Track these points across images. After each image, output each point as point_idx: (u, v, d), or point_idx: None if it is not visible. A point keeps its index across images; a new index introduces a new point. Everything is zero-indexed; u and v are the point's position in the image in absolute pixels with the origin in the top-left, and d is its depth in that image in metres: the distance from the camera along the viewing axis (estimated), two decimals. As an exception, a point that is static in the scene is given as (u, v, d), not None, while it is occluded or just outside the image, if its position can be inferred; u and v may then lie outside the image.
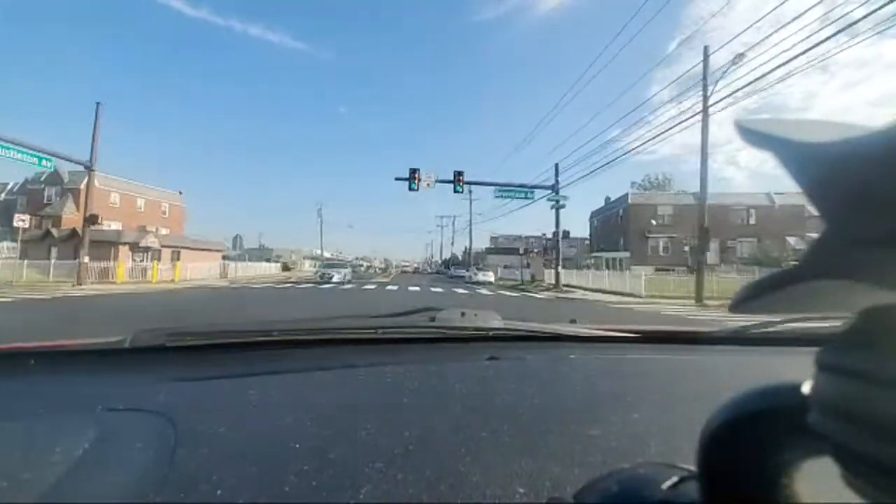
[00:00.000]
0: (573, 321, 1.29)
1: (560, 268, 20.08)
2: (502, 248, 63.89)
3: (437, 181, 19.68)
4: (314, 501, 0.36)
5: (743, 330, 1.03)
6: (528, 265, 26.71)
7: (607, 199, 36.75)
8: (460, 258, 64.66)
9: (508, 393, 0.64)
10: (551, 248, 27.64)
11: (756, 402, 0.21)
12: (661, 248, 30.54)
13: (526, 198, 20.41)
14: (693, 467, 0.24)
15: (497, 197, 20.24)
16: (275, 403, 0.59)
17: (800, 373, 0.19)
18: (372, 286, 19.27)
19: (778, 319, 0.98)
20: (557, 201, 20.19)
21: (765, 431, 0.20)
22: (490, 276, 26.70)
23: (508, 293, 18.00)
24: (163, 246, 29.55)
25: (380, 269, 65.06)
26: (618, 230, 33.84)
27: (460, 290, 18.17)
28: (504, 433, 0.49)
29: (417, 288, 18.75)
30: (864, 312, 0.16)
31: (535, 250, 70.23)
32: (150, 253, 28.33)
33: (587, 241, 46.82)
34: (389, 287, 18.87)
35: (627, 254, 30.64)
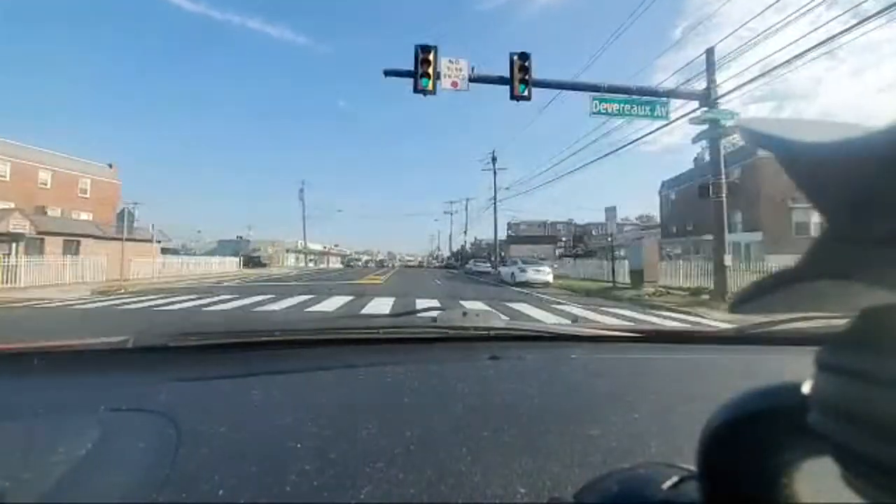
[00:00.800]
0: (575, 320, 1.12)
1: (729, 258, 9.83)
2: (526, 236, 53.12)
3: (473, 80, 9.45)
4: (315, 501, 0.36)
5: (743, 330, 1.02)
6: (620, 256, 16.12)
7: (697, 158, 25.89)
8: (469, 250, 54.68)
9: (509, 393, 0.64)
10: (582, 235, 17.21)
11: (756, 402, 0.21)
12: (811, 227, 19.15)
13: (653, 115, 10.03)
14: (693, 467, 0.23)
15: (595, 113, 9.84)
16: (276, 403, 0.59)
17: (800, 373, 0.19)
18: (340, 299, 9.18)
19: (778, 319, 0.98)
20: (716, 120, 9.92)
21: (765, 431, 0.20)
22: (547, 275, 16.28)
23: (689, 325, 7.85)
24: (43, 233, 19.55)
25: (377, 262, 55.36)
26: (730, 201, 22.42)
27: (538, 312, 7.99)
28: (505, 433, 0.49)
29: (436, 304, 8.54)
30: (864, 312, 0.16)
31: (563, 238, 60.05)
32: (19, 244, 18.44)
33: (639, 224, 36.58)
34: (374, 303, 8.70)
35: (758, 235, 19.69)
